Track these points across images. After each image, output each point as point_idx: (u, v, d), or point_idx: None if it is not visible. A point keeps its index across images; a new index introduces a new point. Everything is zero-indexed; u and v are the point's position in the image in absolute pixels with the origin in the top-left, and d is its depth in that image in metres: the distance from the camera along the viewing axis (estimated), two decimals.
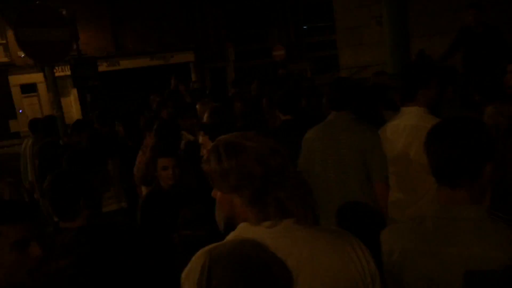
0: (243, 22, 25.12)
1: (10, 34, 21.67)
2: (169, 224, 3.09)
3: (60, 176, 2.25)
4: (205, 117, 3.62)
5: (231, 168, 1.31)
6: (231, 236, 1.37)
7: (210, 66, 25.25)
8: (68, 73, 22.07)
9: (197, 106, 5.19)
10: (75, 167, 2.95)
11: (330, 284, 1.28)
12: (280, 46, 17.77)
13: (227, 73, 24.85)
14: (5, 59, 21.99)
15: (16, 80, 22.15)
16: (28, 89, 22.58)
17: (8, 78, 21.93)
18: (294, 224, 1.32)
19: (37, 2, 5.63)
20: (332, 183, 3.02)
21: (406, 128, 2.73)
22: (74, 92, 23.26)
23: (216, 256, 1.13)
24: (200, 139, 3.22)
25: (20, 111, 22.32)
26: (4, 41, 21.99)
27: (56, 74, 6.02)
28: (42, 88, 22.79)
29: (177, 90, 7.88)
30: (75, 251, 0.88)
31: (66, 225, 2.27)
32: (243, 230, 1.35)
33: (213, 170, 1.36)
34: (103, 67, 20.18)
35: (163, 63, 24.36)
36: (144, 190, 4.22)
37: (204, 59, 25.10)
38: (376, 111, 3.72)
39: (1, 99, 21.53)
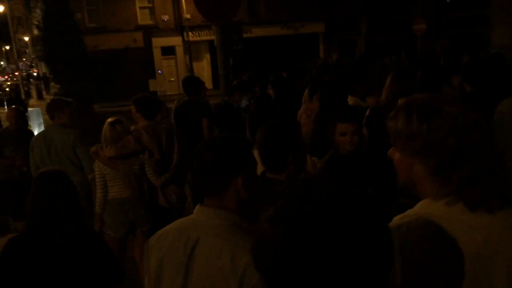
0: None
1: None
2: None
3: (274, 128, 2.32)
4: (387, 83, 3.50)
5: (420, 132, 1.17)
6: (410, 212, 1.25)
7: (339, 38, 24.70)
8: (203, 38, 23.31)
9: None
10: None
11: None
12: (422, 19, 16.50)
13: (357, 47, 24.10)
14: (150, 22, 23.82)
15: (158, 42, 23.95)
16: (168, 51, 24.28)
17: (151, 40, 23.77)
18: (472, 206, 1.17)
19: None
20: None
21: None
22: (207, 57, 24.47)
23: (406, 232, 1.11)
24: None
25: (159, 71, 24.16)
26: (150, 5, 23.76)
27: (191, 39, 6.33)
28: (179, 51, 24.36)
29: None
30: (280, 204, 0.86)
31: (272, 175, 2.35)
32: (423, 206, 1.23)
33: (399, 130, 1.23)
34: None
35: (293, 33, 24.41)
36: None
37: (334, 30, 24.61)
38: None
39: (144, 59, 23.49)
